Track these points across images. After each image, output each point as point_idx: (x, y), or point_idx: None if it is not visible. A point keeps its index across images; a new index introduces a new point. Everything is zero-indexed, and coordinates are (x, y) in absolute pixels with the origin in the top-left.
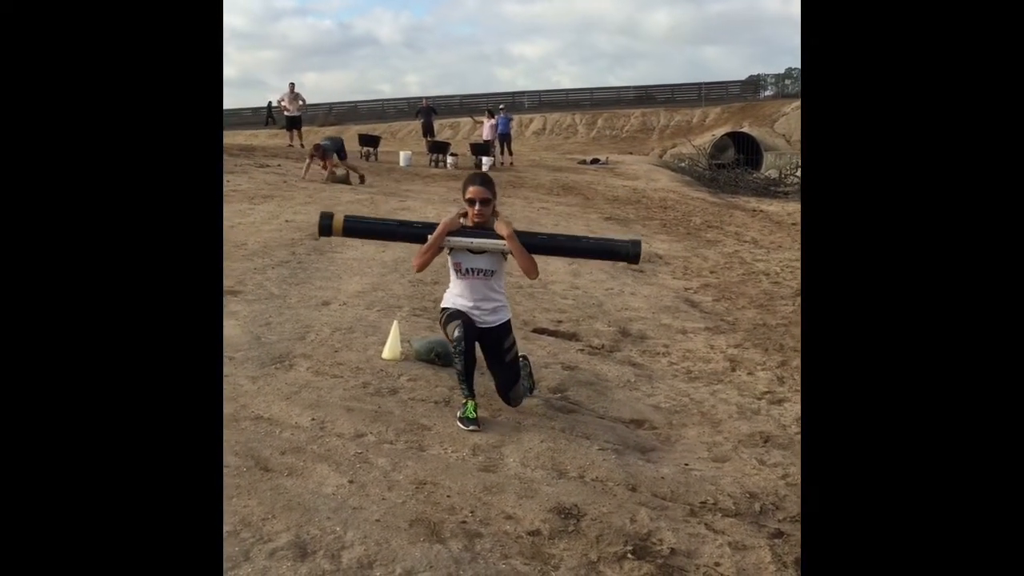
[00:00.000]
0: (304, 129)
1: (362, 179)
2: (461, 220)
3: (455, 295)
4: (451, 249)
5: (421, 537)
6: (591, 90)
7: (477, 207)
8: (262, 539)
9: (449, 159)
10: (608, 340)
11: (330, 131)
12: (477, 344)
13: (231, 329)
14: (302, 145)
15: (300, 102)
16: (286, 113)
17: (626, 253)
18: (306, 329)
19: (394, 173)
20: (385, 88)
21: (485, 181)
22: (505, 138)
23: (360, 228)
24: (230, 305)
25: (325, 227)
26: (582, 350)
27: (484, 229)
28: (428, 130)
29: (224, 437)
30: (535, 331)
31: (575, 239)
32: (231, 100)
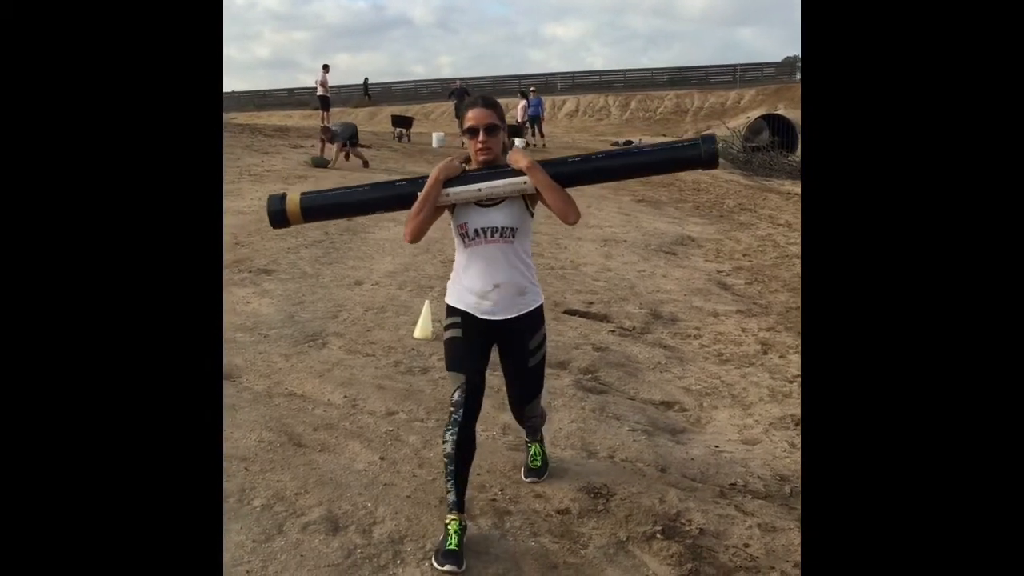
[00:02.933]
0: (336, 110)
1: (365, 164)
2: (463, 166)
3: (462, 281)
4: (453, 208)
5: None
6: (624, 71)
7: (481, 137)
8: (295, 513)
9: None
10: (639, 322)
11: (363, 112)
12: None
13: (265, 307)
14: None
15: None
16: (319, 94)
17: (697, 156)
18: (339, 308)
19: (426, 154)
20: (418, 69)
21: (489, 102)
22: (536, 120)
23: (326, 206)
24: (264, 284)
25: (277, 214)
26: (613, 331)
27: (494, 168)
28: (460, 111)
29: (258, 413)
30: (566, 312)
31: (623, 154)
32: (265, 81)
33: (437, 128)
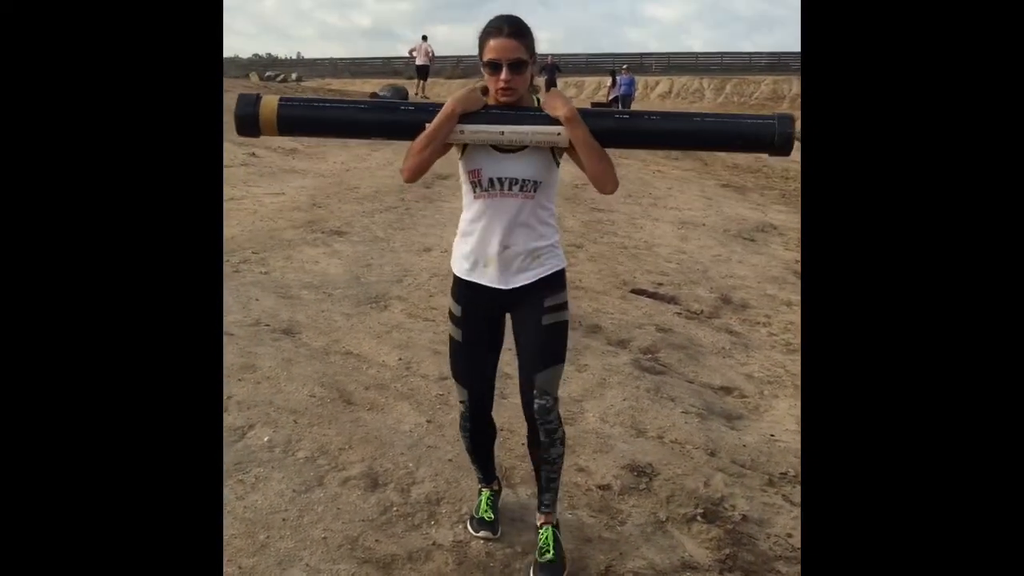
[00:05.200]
0: (430, 81)
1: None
2: (484, 99)
3: (468, 240)
4: (464, 147)
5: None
6: (721, 54)
7: (504, 74)
8: (337, 467)
9: None
10: (708, 306)
11: (456, 84)
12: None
13: (333, 268)
14: (425, 97)
15: (430, 54)
16: (419, 63)
17: (769, 137)
18: (405, 272)
19: None
20: None
21: (516, 29)
22: (627, 99)
23: (309, 119)
24: (335, 244)
25: (246, 119)
26: (679, 313)
27: (523, 107)
28: (551, 87)
29: (313, 368)
30: (633, 291)
31: (680, 117)
32: (362, 49)
33: None
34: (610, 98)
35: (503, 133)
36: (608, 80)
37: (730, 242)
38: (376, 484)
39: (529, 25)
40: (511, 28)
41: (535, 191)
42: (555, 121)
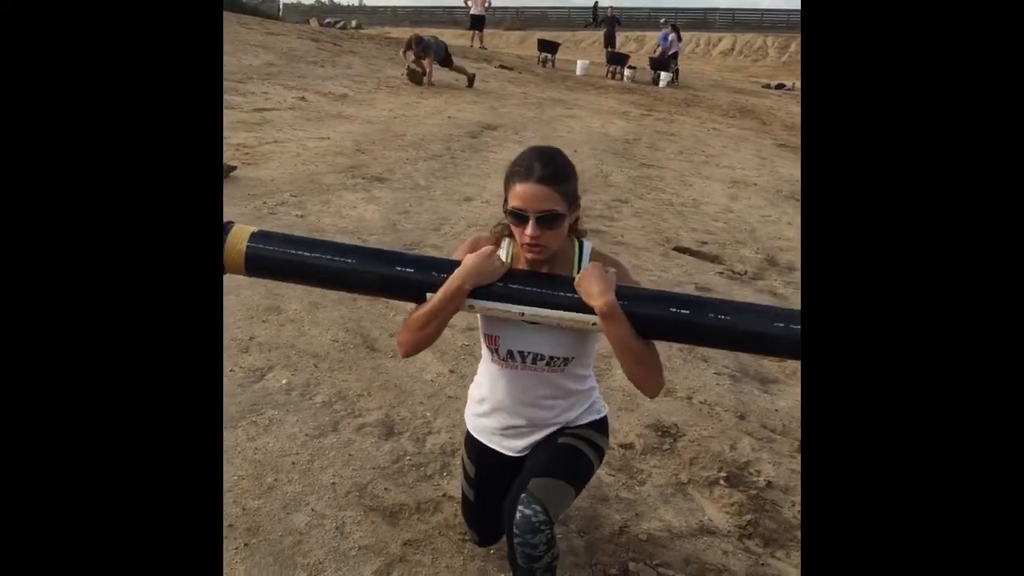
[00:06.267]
0: (489, 32)
1: (470, 82)
2: (503, 264)
3: (484, 403)
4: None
5: None
6: (788, 11)
7: (531, 229)
8: (353, 413)
9: (627, 71)
10: (752, 267)
11: (514, 36)
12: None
13: (370, 214)
14: (483, 47)
15: (487, 3)
16: (472, 12)
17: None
18: (442, 221)
19: (568, 81)
20: None
21: (550, 173)
22: (665, 55)
23: (287, 263)
24: (375, 191)
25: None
26: (721, 273)
27: (553, 277)
28: (610, 40)
29: (339, 313)
30: (676, 249)
31: (754, 312)
32: None
33: (585, 57)
34: (671, 52)
35: (523, 314)
36: (670, 34)
37: (781, 203)
38: (391, 432)
39: (572, 163)
40: (544, 171)
41: (565, 366)
42: (590, 309)
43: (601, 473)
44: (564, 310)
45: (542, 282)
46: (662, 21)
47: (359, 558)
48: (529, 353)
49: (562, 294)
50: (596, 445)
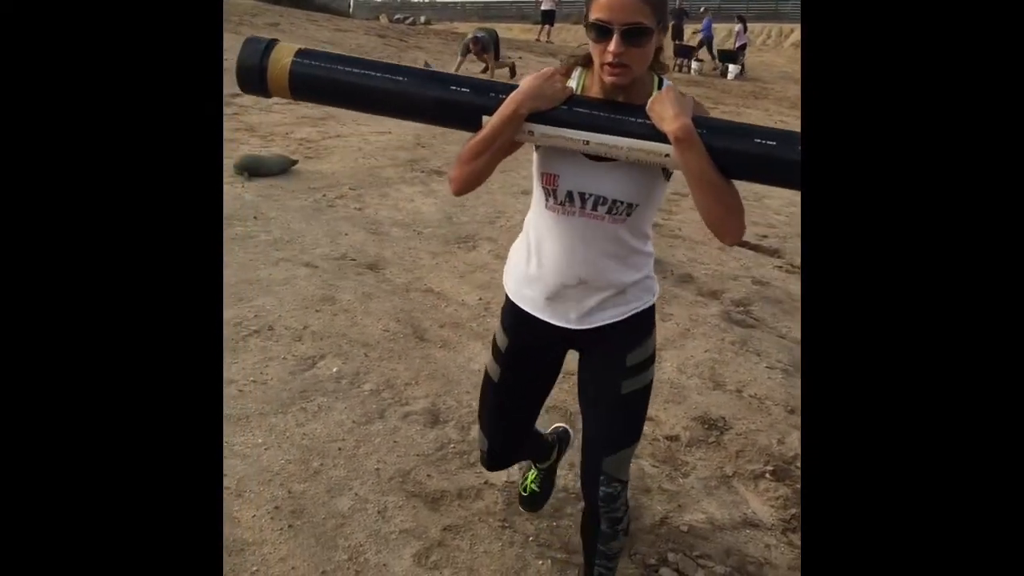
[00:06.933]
0: (556, 26)
1: (512, 74)
2: (566, 87)
3: (531, 259)
4: (538, 146)
5: (554, 423)
6: None
7: (614, 45)
8: (400, 401)
9: (694, 64)
10: None
11: (582, 30)
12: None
13: (427, 207)
14: (549, 41)
15: None
16: (542, 8)
17: None
18: (498, 214)
19: None
20: None
21: None
22: (708, 42)
23: (333, 82)
24: (433, 184)
25: (250, 71)
26: (780, 267)
27: (623, 105)
28: (677, 33)
29: (391, 304)
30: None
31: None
32: None
33: None
34: (739, 44)
35: (587, 143)
36: (737, 26)
37: None
38: (437, 420)
39: None
40: None
41: (628, 215)
42: (663, 137)
43: (644, 464)
44: (629, 138)
45: (610, 107)
46: (701, 10)
47: (399, 541)
48: (591, 196)
49: (632, 119)
50: (650, 358)
